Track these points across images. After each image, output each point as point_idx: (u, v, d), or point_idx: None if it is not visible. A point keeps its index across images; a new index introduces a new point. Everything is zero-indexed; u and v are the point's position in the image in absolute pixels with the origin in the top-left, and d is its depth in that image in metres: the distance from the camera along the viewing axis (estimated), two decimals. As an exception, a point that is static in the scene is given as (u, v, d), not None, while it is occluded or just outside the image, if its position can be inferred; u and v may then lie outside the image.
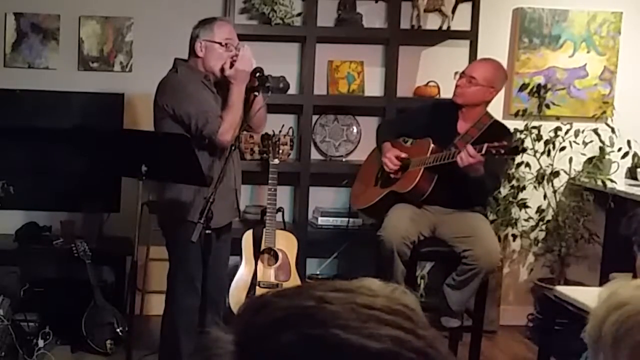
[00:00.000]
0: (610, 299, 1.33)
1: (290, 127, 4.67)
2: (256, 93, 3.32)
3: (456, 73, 3.91)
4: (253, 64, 3.31)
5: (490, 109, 4.21)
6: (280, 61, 4.59)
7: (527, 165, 4.63)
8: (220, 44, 3.35)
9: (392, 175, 3.94)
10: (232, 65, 3.31)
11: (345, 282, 0.70)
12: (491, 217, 4.50)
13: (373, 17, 4.74)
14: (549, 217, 4.68)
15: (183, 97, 3.31)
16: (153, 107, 3.40)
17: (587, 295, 3.33)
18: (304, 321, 0.64)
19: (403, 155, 3.91)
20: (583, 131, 4.59)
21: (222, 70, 3.33)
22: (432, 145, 3.80)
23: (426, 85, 4.70)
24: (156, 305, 4.41)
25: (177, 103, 3.30)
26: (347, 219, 4.52)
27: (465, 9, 4.64)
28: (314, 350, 0.62)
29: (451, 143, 3.81)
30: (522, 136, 4.61)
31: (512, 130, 4.05)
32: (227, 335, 0.66)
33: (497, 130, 3.87)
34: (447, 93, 4.27)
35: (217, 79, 3.39)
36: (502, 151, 3.47)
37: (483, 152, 3.48)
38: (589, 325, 1.36)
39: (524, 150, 3.71)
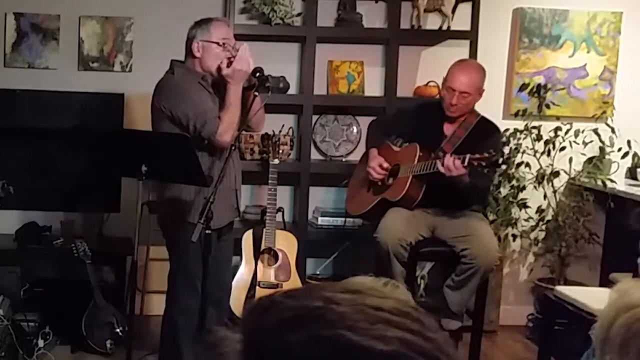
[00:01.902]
0: (621, 300, 1.32)
1: (290, 127, 4.66)
2: (256, 93, 3.32)
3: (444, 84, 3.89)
4: (251, 63, 3.31)
5: (490, 109, 4.21)
6: (280, 61, 4.60)
7: (527, 165, 4.63)
8: (217, 43, 3.35)
9: (383, 181, 3.95)
10: (229, 65, 3.30)
11: (356, 283, 0.69)
12: (491, 217, 4.50)
13: (373, 17, 4.74)
14: (549, 217, 4.68)
15: (180, 99, 3.30)
16: (150, 109, 3.40)
17: (587, 295, 3.33)
18: (312, 322, 0.64)
19: (386, 165, 3.91)
20: (583, 131, 4.59)
21: (219, 69, 3.33)
22: (419, 151, 3.80)
23: (426, 85, 4.70)
24: (156, 305, 4.41)
25: (174, 105, 3.30)
26: (347, 219, 4.51)
27: (465, 9, 4.63)
28: (321, 351, 0.62)
29: (438, 147, 3.82)
30: (522, 136, 4.61)
31: (500, 127, 4.04)
32: (235, 334, 0.66)
33: (483, 129, 3.87)
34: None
35: (214, 79, 3.38)
36: (484, 163, 3.48)
37: (465, 164, 3.49)
38: (597, 324, 1.36)
39: (506, 163, 3.69)
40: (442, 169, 3.55)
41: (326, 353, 0.62)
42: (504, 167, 4.07)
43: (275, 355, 0.63)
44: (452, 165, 3.51)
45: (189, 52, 3.39)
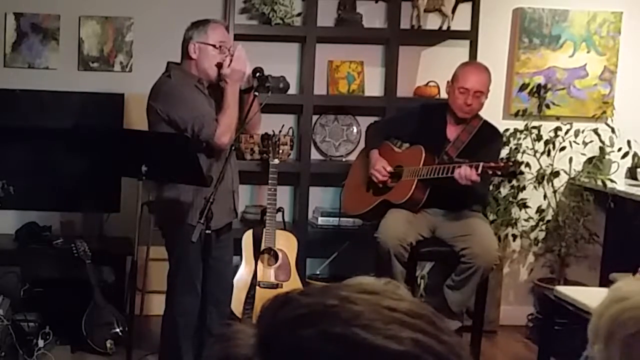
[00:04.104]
0: (612, 294, 1.36)
1: (290, 127, 4.66)
2: (256, 93, 3.32)
3: (448, 82, 3.91)
4: (247, 64, 3.30)
5: (490, 109, 4.21)
6: (280, 61, 4.60)
7: (527, 165, 4.63)
8: (214, 46, 3.34)
9: (385, 182, 3.94)
10: (222, 66, 3.30)
11: (373, 285, 0.70)
12: (491, 217, 4.50)
13: (373, 17, 4.74)
14: (549, 217, 4.68)
15: (178, 103, 3.29)
16: (146, 110, 3.39)
17: (587, 295, 3.33)
18: (326, 319, 0.64)
19: (389, 168, 3.91)
20: (583, 131, 4.59)
21: (219, 66, 3.31)
22: (424, 154, 3.80)
23: (426, 85, 4.70)
24: (156, 305, 4.41)
25: (171, 108, 3.29)
26: (347, 219, 4.51)
27: (465, 9, 4.63)
28: (332, 348, 0.62)
29: (442, 151, 3.81)
30: (522, 136, 4.61)
31: (502, 131, 4.05)
32: (250, 329, 0.67)
33: (487, 133, 3.88)
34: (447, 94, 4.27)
35: (210, 81, 3.38)
36: (499, 173, 3.48)
37: (479, 172, 3.48)
38: (591, 318, 1.40)
39: (522, 173, 3.70)
40: (457, 178, 3.53)
41: (338, 350, 0.62)
42: (520, 177, 4.10)
43: (288, 351, 0.64)
44: (469, 174, 3.49)
45: (185, 53, 3.38)
